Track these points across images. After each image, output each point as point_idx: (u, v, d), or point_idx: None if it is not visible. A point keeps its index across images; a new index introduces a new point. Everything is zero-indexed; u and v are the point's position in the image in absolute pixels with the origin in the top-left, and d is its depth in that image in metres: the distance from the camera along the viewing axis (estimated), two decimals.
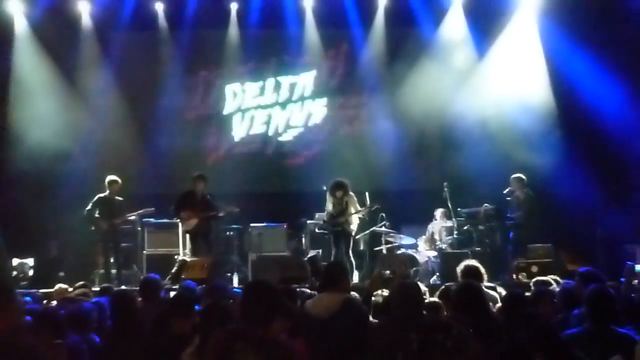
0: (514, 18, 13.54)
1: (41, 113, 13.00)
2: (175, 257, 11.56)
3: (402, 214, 12.42)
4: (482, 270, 6.44)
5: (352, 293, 6.12)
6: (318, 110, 14.42)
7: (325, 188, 11.37)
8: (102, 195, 11.39)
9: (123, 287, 10.30)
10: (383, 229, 11.78)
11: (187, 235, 11.49)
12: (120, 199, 11.54)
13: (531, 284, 7.18)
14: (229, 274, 11.73)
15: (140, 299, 6.24)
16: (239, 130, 14.45)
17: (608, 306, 4.87)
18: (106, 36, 13.80)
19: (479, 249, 11.55)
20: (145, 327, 5.26)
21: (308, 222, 12.24)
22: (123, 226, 11.75)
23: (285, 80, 14.43)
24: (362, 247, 12.00)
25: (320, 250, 11.64)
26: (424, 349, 3.62)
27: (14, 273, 11.54)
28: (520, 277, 10.52)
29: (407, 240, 12.02)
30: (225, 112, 14.45)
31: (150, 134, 13.75)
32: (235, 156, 14.10)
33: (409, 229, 12.33)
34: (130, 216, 11.66)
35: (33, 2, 13.32)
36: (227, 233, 12.55)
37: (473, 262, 6.71)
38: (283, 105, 14.47)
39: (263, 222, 12.21)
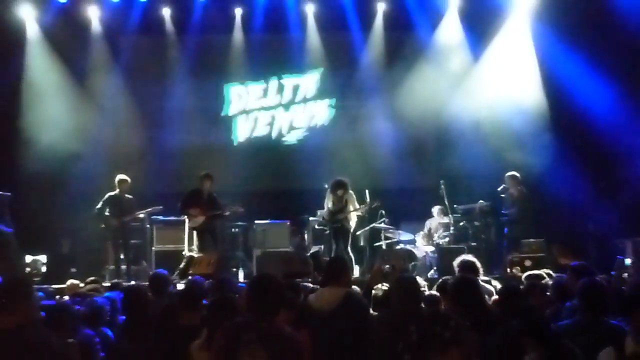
0: (507, 22, 13.55)
1: (53, 115, 13.03)
2: (183, 253, 11.58)
3: (401, 211, 12.43)
4: (478, 264, 6.46)
5: (353, 287, 6.15)
6: (320, 111, 14.44)
7: (326, 186, 11.39)
8: (112, 193, 11.39)
9: (133, 282, 10.39)
10: (382, 225, 11.83)
11: (194, 232, 11.49)
12: (130, 197, 11.54)
13: (523, 278, 7.18)
14: (234, 269, 11.73)
15: (150, 293, 6.26)
16: (243, 131, 14.47)
17: (600, 298, 4.89)
18: (115, 40, 13.83)
19: (475, 244, 11.56)
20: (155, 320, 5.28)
21: (310, 219, 12.25)
22: (132, 224, 11.74)
23: (288, 82, 14.46)
24: (362, 243, 12.02)
25: (322, 246, 11.66)
26: (423, 339, 3.63)
27: (28, 269, 11.54)
28: (514, 271, 10.50)
29: (405, 236, 12.04)
30: (230, 113, 14.48)
31: (158, 134, 13.76)
32: (240, 156, 14.09)
33: (408, 225, 12.34)
34: (139, 214, 11.64)
35: (45, 7, 13.33)
36: (233, 230, 12.57)
37: (469, 257, 6.72)
38: (286, 106, 14.50)
39: (267, 219, 12.21)
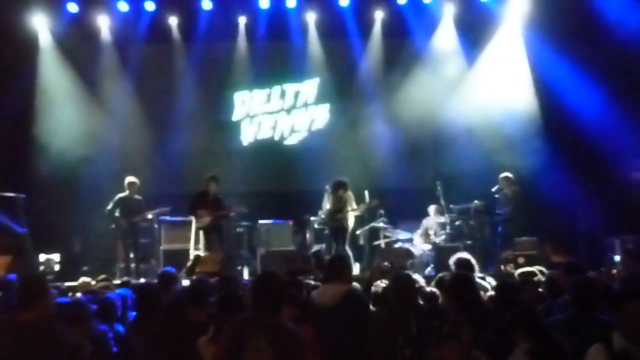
0: (500, 30, 13.57)
1: (64, 120, 13.03)
2: (189, 251, 11.57)
3: (399, 210, 12.42)
4: (474, 261, 6.46)
5: (354, 284, 6.15)
6: (320, 115, 14.43)
7: (327, 187, 11.40)
8: (122, 195, 11.41)
9: (142, 279, 10.39)
10: (381, 224, 11.83)
11: (201, 232, 11.48)
12: (139, 197, 11.56)
13: (516, 275, 7.18)
14: (239, 267, 11.72)
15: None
16: (247, 135, 14.48)
17: (590, 295, 4.88)
18: (124, 48, 13.81)
19: (470, 242, 11.56)
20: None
21: (312, 218, 12.25)
22: (141, 224, 11.76)
23: (290, 88, 14.45)
24: (362, 242, 12.02)
25: (323, 245, 11.66)
26: (422, 333, 3.64)
27: (42, 268, 11.55)
28: (508, 268, 10.51)
29: (403, 234, 12.02)
30: (234, 118, 14.46)
31: (166, 138, 13.72)
32: (245, 158, 14.07)
33: (405, 225, 12.32)
34: (147, 214, 11.66)
35: (57, 17, 13.34)
36: (238, 229, 12.56)
37: (465, 255, 6.72)
38: (288, 111, 14.48)
39: (270, 219, 12.24)
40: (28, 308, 4.21)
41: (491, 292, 5.90)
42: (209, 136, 14.14)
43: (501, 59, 13.52)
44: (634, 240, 11.13)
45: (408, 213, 12.54)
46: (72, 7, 13.31)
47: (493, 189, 11.82)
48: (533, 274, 6.91)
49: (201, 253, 11.09)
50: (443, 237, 11.76)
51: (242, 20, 14.04)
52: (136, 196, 11.52)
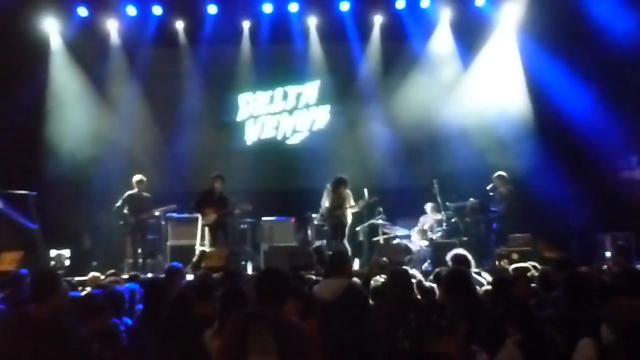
0: (495, 34, 13.57)
1: (75, 121, 13.02)
2: (195, 247, 11.57)
3: (397, 208, 12.42)
4: (469, 257, 6.46)
5: (354, 279, 6.14)
6: (321, 116, 14.43)
7: (328, 185, 11.40)
8: (130, 192, 11.40)
9: (150, 274, 10.39)
10: (380, 221, 11.82)
11: (207, 228, 11.45)
12: (147, 195, 11.55)
13: (510, 270, 7.17)
14: (243, 263, 11.73)
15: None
16: (251, 135, 14.47)
17: (583, 290, 4.86)
18: (133, 51, 13.81)
19: (466, 238, 11.54)
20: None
21: (313, 215, 12.24)
22: (149, 220, 11.74)
23: (292, 89, 14.44)
24: (361, 238, 12.02)
25: (324, 241, 11.65)
26: (421, 326, 3.63)
27: (52, 263, 11.55)
28: (502, 263, 10.50)
29: (401, 231, 12.02)
30: (239, 118, 14.46)
31: (172, 138, 13.73)
32: (248, 158, 14.06)
33: (403, 222, 12.32)
34: (155, 212, 11.65)
35: (67, 21, 13.32)
36: (242, 226, 12.53)
37: (461, 251, 6.71)
38: (290, 112, 14.48)
39: (273, 216, 12.25)
40: (42, 302, 4.20)
41: (487, 287, 5.90)
42: (214, 136, 14.14)
43: (495, 62, 13.52)
44: (624, 237, 11.14)
45: (406, 210, 12.56)
46: (82, 12, 13.29)
47: (488, 187, 11.82)
48: (527, 269, 6.91)
49: (207, 249, 11.08)
50: (440, 233, 11.76)
51: (246, 25, 14.04)
52: (144, 194, 11.52)
